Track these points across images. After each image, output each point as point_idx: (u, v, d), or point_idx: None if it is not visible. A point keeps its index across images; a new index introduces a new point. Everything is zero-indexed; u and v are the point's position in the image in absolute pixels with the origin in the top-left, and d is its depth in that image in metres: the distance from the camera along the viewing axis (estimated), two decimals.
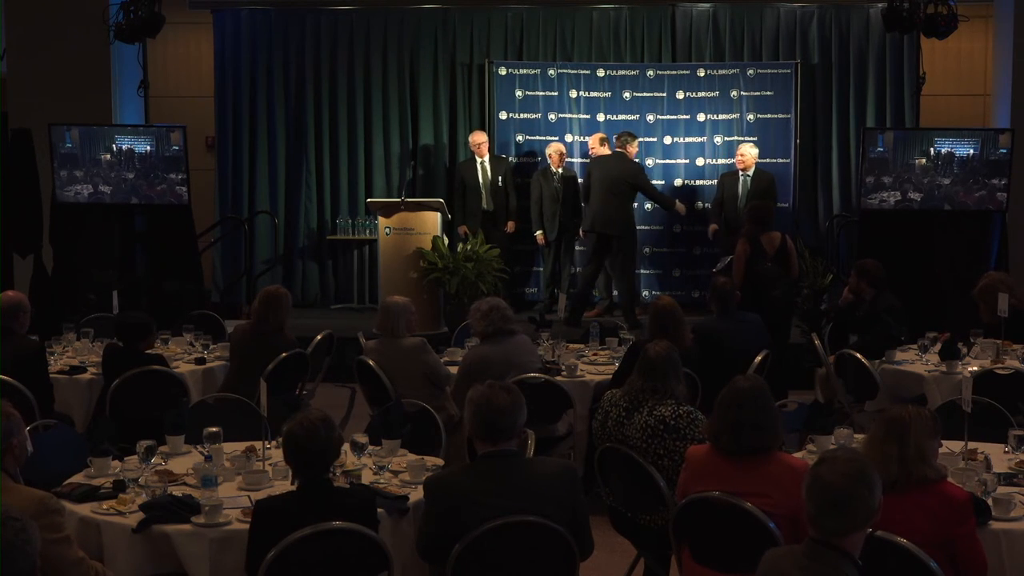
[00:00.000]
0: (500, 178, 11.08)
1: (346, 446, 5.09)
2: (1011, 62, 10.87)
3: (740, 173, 10.67)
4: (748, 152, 10.70)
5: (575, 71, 11.70)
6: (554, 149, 10.98)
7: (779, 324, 8.57)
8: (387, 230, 10.39)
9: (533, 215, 11.01)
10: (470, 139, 11.26)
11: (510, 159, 11.58)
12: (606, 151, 10.80)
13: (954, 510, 3.81)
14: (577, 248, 11.40)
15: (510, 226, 11.10)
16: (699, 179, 11.66)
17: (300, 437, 3.95)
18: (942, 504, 3.81)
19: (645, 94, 11.63)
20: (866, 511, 3.18)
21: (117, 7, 10.33)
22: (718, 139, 11.60)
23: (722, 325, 7.12)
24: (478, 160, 11.13)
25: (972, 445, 4.95)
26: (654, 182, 11.69)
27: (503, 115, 11.69)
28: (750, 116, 11.53)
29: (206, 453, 4.90)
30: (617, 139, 10.76)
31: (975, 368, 6.67)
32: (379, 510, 4.32)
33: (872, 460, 3.77)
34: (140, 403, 6.17)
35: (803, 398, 6.72)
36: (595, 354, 7.45)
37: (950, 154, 10.21)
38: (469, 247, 10.30)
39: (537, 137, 11.65)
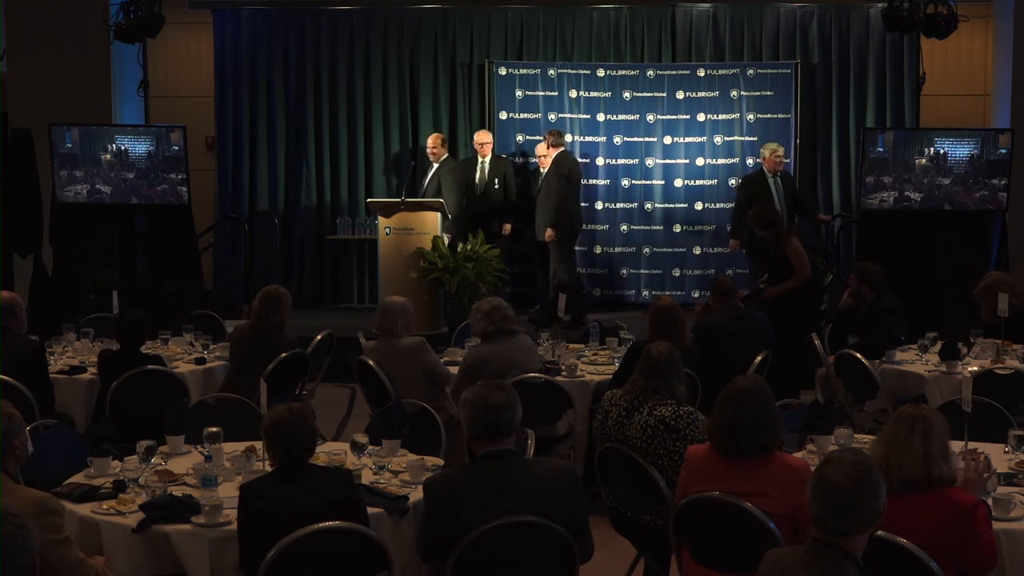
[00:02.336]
0: (496, 180, 11.06)
1: (346, 446, 5.11)
2: (1011, 62, 10.88)
3: (769, 174, 10.48)
4: (782, 152, 10.58)
5: (575, 71, 11.71)
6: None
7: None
8: (387, 230, 10.39)
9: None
10: (474, 137, 11.24)
11: (514, 159, 11.57)
12: (444, 152, 10.91)
13: (962, 515, 3.80)
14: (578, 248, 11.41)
15: (506, 228, 11.05)
16: (699, 179, 11.66)
17: (288, 422, 4.07)
18: (950, 509, 3.80)
19: (645, 94, 11.64)
20: (871, 513, 3.18)
21: (117, 7, 10.33)
22: (718, 139, 11.61)
23: (724, 322, 7.12)
24: (479, 160, 11.13)
25: (972, 445, 4.95)
26: (655, 182, 11.74)
27: (503, 115, 11.69)
28: (750, 116, 11.54)
29: (206, 453, 4.90)
30: (559, 136, 10.70)
31: (975, 368, 6.67)
32: (379, 510, 4.34)
33: (894, 458, 3.78)
34: (140, 403, 6.17)
35: (803, 398, 6.72)
36: (595, 354, 7.45)
37: (950, 154, 10.21)
38: (469, 247, 10.30)
39: (537, 137, 11.61)
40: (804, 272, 8.30)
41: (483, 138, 11.12)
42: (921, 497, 3.80)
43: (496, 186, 11.02)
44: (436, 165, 10.91)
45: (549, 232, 10.54)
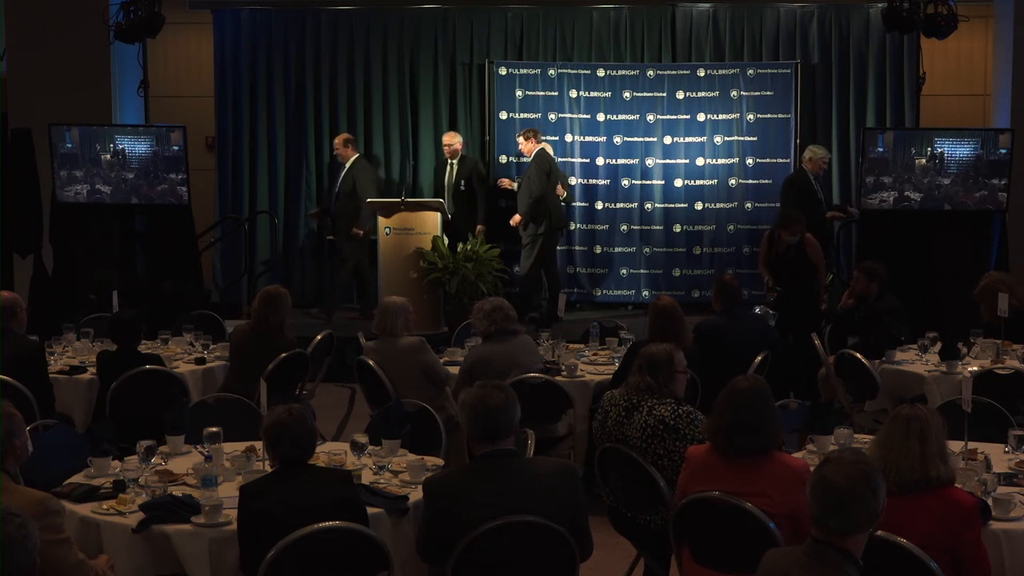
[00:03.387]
0: (463, 182, 11.02)
1: (346, 446, 5.11)
2: (1011, 62, 10.87)
3: (812, 176, 10.37)
4: (829, 158, 10.54)
5: (575, 71, 11.70)
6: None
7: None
8: (387, 230, 10.39)
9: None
10: (442, 139, 11.26)
11: (509, 158, 11.57)
12: (351, 152, 10.92)
13: (962, 515, 3.80)
14: (578, 248, 11.39)
15: (478, 230, 10.95)
16: (699, 179, 11.65)
17: (288, 422, 4.07)
18: (950, 509, 3.80)
19: (645, 94, 11.63)
20: (869, 513, 3.18)
21: (117, 7, 10.33)
22: (718, 139, 11.60)
23: (725, 323, 7.12)
24: (449, 162, 11.13)
25: (972, 445, 4.95)
26: (655, 182, 11.74)
27: (503, 115, 11.69)
28: (750, 116, 11.54)
29: (206, 453, 4.91)
30: (536, 134, 10.82)
31: (975, 368, 6.67)
32: (379, 510, 4.34)
33: (891, 460, 3.79)
34: (140, 403, 6.17)
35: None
36: (595, 354, 7.45)
37: (950, 154, 10.21)
38: (469, 247, 10.30)
39: None
40: (824, 270, 8.58)
41: (449, 140, 11.12)
42: (921, 497, 3.80)
43: (463, 188, 11.00)
44: (347, 166, 10.93)
45: (516, 218, 10.66)
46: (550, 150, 10.96)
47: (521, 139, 10.91)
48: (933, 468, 3.83)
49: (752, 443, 4.17)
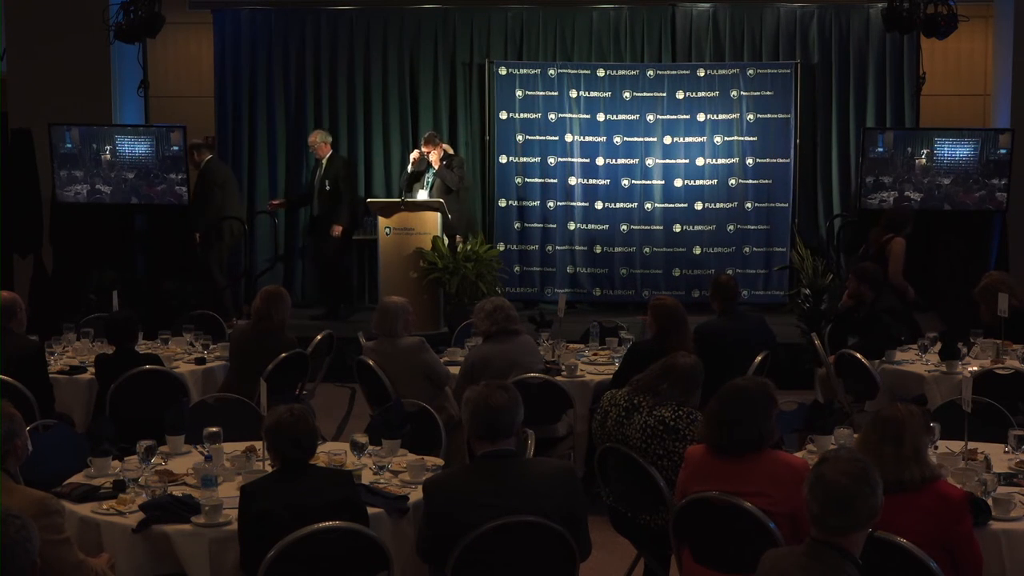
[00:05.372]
0: (327, 182, 10.98)
1: (346, 446, 5.11)
2: (1011, 62, 10.88)
3: None
4: None
5: (575, 71, 11.70)
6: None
7: None
8: (387, 230, 10.39)
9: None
10: (308, 138, 11.26)
11: (509, 158, 11.57)
12: (204, 154, 10.89)
13: (951, 509, 3.81)
14: (578, 248, 11.36)
15: (336, 230, 10.88)
16: (699, 179, 11.65)
17: (289, 423, 4.08)
18: (939, 503, 3.81)
19: (645, 94, 11.63)
20: (868, 510, 3.19)
21: (117, 7, 10.34)
22: (718, 139, 11.60)
23: (725, 324, 7.12)
24: (319, 162, 11.11)
25: (972, 445, 4.95)
26: (655, 182, 11.73)
27: (503, 115, 11.69)
28: (750, 116, 11.53)
29: (206, 453, 4.91)
30: (438, 137, 10.93)
31: (975, 368, 6.67)
32: (379, 510, 4.34)
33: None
34: (140, 403, 6.17)
35: (803, 398, 6.72)
36: (595, 354, 7.45)
37: (950, 154, 10.22)
38: (469, 247, 10.30)
39: (537, 137, 11.65)
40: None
41: (314, 138, 11.09)
42: (901, 497, 3.79)
43: (327, 187, 10.95)
44: (201, 166, 10.89)
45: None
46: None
47: (428, 147, 10.78)
48: (907, 471, 3.82)
49: (739, 436, 4.15)
